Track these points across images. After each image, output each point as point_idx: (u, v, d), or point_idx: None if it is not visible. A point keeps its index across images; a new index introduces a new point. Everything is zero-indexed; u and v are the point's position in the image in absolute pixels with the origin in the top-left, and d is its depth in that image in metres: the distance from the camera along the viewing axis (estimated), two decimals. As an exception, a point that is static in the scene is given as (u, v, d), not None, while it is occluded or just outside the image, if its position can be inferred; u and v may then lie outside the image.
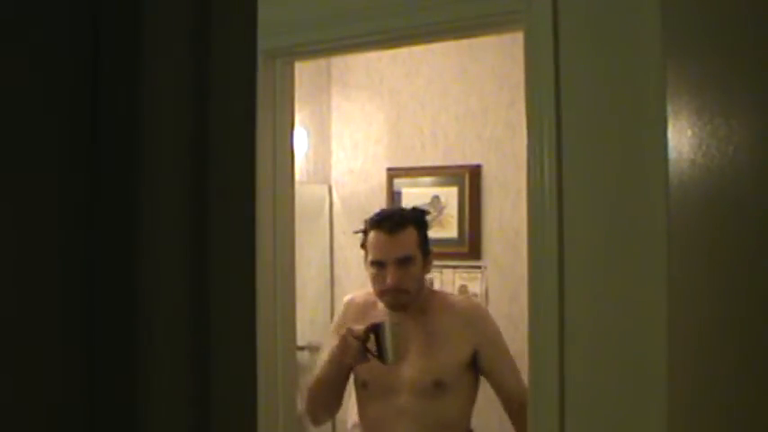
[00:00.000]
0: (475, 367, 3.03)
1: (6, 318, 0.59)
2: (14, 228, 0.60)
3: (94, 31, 0.63)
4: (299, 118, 3.53)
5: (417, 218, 3.10)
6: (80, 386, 0.62)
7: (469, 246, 4.72)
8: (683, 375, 2.04)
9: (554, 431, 2.13)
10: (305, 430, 3.80)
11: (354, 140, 5.16)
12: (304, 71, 4.36)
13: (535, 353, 2.19)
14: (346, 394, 3.14)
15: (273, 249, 2.80)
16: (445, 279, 4.75)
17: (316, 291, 4.99)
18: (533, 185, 2.18)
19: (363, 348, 2.89)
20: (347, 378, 3.08)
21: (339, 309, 3.30)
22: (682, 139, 2.07)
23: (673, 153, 2.00)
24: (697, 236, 2.16)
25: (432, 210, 4.73)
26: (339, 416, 3.40)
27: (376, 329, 2.90)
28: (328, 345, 3.16)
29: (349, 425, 3.29)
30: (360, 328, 2.91)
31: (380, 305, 3.07)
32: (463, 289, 4.72)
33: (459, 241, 4.74)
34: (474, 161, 4.75)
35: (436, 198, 4.81)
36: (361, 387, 3.08)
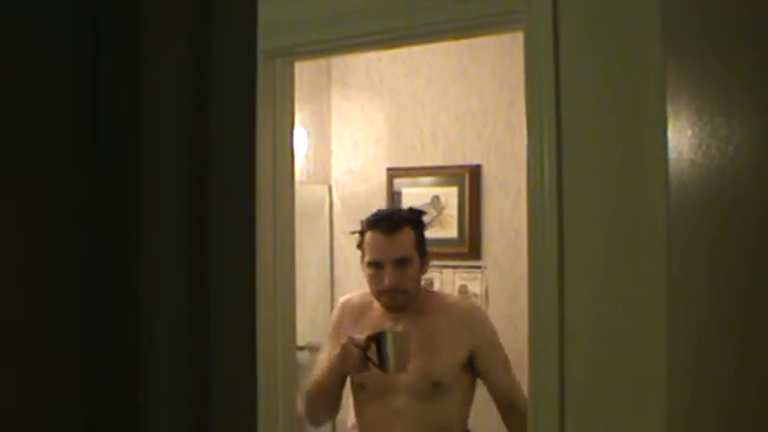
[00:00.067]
0: (472, 368, 3.03)
1: (6, 318, 0.59)
2: (14, 228, 0.60)
3: (94, 31, 0.63)
4: (299, 118, 3.53)
5: (414, 218, 3.10)
6: (80, 386, 0.62)
7: (469, 246, 4.72)
8: (683, 375, 2.04)
9: (554, 431, 2.13)
10: (305, 430, 3.80)
11: (354, 140, 5.16)
12: (304, 71, 4.36)
13: (535, 353, 2.19)
14: (345, 393, 3.14)
15: (273, 249, 2.80)
16: (445, 279, 4.75)
17: (316, 291, 4.99)
18: (533, 185, 2.18)
19: (364, 357, 2.87)
20: (344, 381, 3.07)
21: (334, 311, 3.28)
22: (682, 139, 2.07)
23: (673, 153, 2.00)
24: (697, 236, 2.16)
25: (432, 210, 4.73)
26: (339, 416, 3.40)
27: (378, 338, 2.87)
28: (326, 347, 3.15)
29: (349, 425, 3.28)
30: (361, 337, 2.89)
31: (377, 305, 3.06)
32: (463, 289, 4.72)
33: (459, 241, 4.74)
34: (474, 161, 4.75)
35: (436, 198, 4.81)
36: (359, 389, 3.07)
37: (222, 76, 0.66)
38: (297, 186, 2.98)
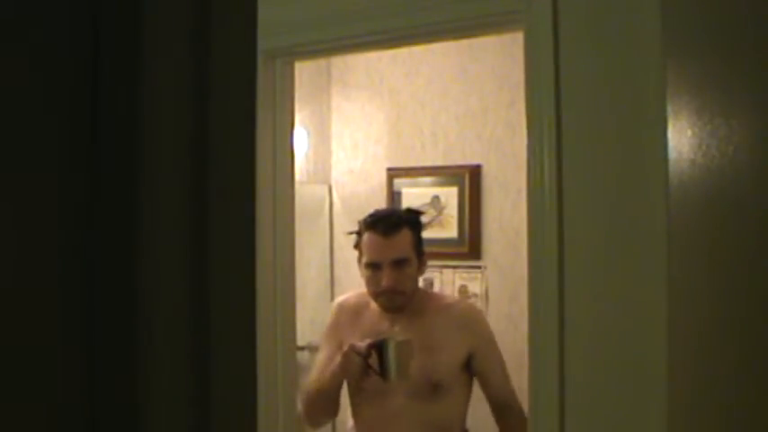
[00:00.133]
0: (469, 368, 3.03)
1: (6, 318, 0.59)
2: (14, 228, 0.60)
3: (94, 31, 0.63)
4: (299, 118, 3.53)
5: (412, 219, 3.09)
6: (80, 386, 0.62)
7: (469, 246, 4.72)
8: (683, 375, 2.04)
9: (554, 431, 2.13)
10: (305, 430, 3.80)
11: (354, 140, 5.16)
12: (304, 71, 4.36)
13: (535, 353, 2.19)
14: (342, 393, 3.13)
15: (273, 249, 2.80)
16: (445, 279, 4.75)
17: (316, 291, 4.99)
18: (533, 185, 2.18)
19: (365, 365, 2.86)
20: (342, 384, 3.06)
21: (330, 312, 3.24)
22: (682, 139, 2.07)
23: (673, 153, 2.00)
24: (697, 236, 2.16)
25: (432, 210, 4.73)
26: (339, 417, 3.40)
27: (379, 346, 2.86)
28: (323, 349, 3.14)
29: (348, 425, 3.28)
30: (362, 344, 2.88)
31: (374, 306, 3.05)
32: (463, 289, 4.72)
33: (459, 241, 4.74)
34: (474, 161, 4.75)
35: (436, 198, 4.81)
36: (357, 390, 3.05)
37: (222, 76, 0.66)
38: (297, 186, 2.98)
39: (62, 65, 0.62)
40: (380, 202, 4.74)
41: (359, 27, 2.59)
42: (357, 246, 3.08)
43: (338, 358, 2.94)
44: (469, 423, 3.11)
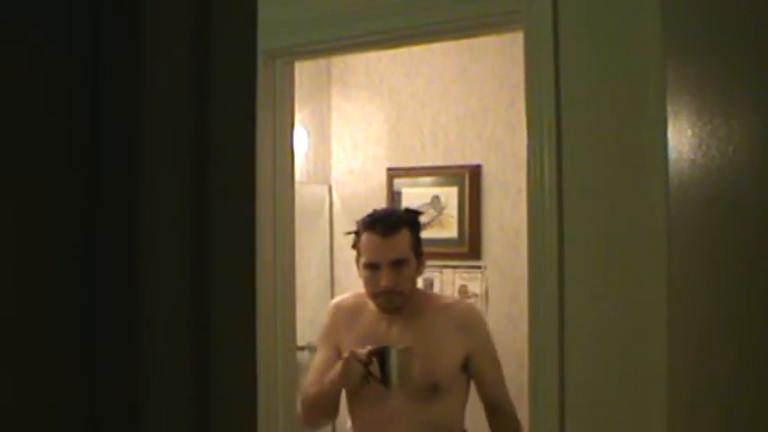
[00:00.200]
0: (467, 369, 3.02)
1: (6, 318, 0.59)
2: (14, 228, 0.60)
3: (94, 31, 0.63)
4: (299, 118, 3.53)
5: (411, 219, 3.07)
6: (80, 386, 0.62)
7: (469, 246, 4.72)
8: (683, 375, 2.04)
9: (554, 431, 2.13)
10: (304, 430, 3.80)
11: (354, 140, 5.16)
12: (304, 71, 4.36)
13: (535, 353, 2.19)
14: (342, 393, 3.12)
15: (273, 249, 2.80)
16: (445, 279, 4.75)
17: (316, 291, 4.99)
18: (533, 185, 2.18)
19: (366, 372, 2.85)
20: (341, 389, 3.05)
21: (327, 313, 3.20)
22: (682, 139, 2.07)
23: (673, 153, 2.00)
24: (697, 236, 2.16)
25: (432, 210, 4.73)
26: (339, 418, 3.40)
27: (381, 354, 2.84)
28: (321, 351, 3.12)
29: (348, 425, 3.28)
30: (363, 351, 2.86)
31: (371, 307, 3.04)
32: (463, 289, 4.72)
33: (459, 241, 4.74)
34: (474, 161, 4.75)
35: (436, 198, 4.81)
36: (355, 393, 3.04)
37: (222, 76, 0.66)
38: (297, 186, 2.98)
39: (62, 65, 0.62)
40: (380, 202, 4.74)
41: (359, 27, 2.59)
42: (355, 246, 3.07)
43: (339, 365, 2.92)
44: (468, 423, 3.11)
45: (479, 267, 4.70)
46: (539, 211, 2.16)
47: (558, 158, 2.12)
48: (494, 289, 4.65)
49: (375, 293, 2.98)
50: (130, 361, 0.62)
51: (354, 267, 3.10)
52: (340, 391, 3.01)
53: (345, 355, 2.96)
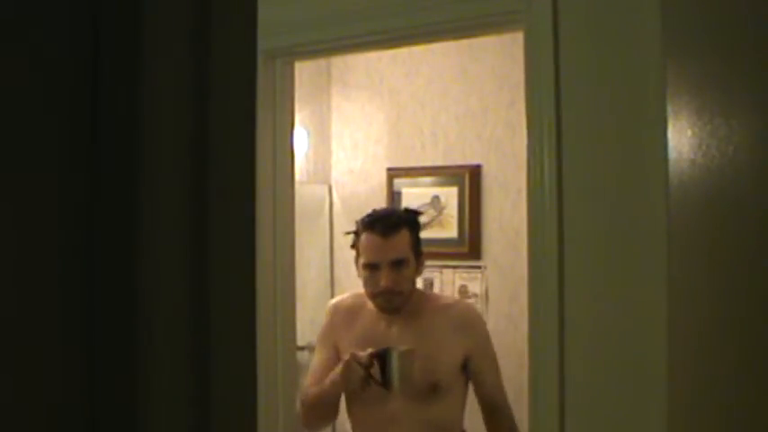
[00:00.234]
0: (466, 369, 3.02)
1: (6, 318, 0.59)
2: (14, 228, 0.60)
3: (94, 31, 0.63)
4: (299, 118, 3.53)
5: (411, 219, 3.07)
6: (80, 386, 0.62)
7: (469, 246, 4.72)
8: (683, 375, 2.04)
9: (554, 431, 2.13)
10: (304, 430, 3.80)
11: (354, 140, 5.16)
12: (304, 71, 4.36)
13: (535, 353, 2.19)
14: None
15: (273, 249, 2.80)
16: (445, 279, 4.75)
17: (316, 291, 4.99)
18: (533, 185, 2.18)
19: (367, 375, 2.84)
20: (342, 392, 3.04)
21: (325, 314, 3.18)
22: (682, 139, 2.07)
23: (673, 153, 2.00)
24: (697, 236, 2.16)
25: (432, 210, 4.73)
26: (339, 418, 3.39)
27: (382, 356, 2.83)
28: (319, 352, 3.11)
29: (348, 427, 3.27)
30: (364, 354, 2.85)
31: (369, 307, 3.02)
32: (463, 289, 4.72)
33: (459, 241, 4.74)
34: (474, 161, 4.75)
35: (436, 198, 4.81)
36: (354, 393, 3.03)
37: (222, 76, 0.66)
38: (297, 186, 2.98)
39: (62, 65, 0.62)
40: (380, 202, 4.74)
41: (359, 27, 2.59)
42: (354, 246, 3.06)
43: (339, 367, 2.91)
44: (467, 424, 3.11)
45: (479, 267, 4.70)
46: (539, 211, 2.16)
47: (558, 158, 2.12)
48: (494, 289, 4.65)
49: (374, 294, 2.97)
50: (130, 361, 0.62)
51: (354, 267, 3.10)
52: (340, 394, 3.00)
53: (345, 356, 2.95)
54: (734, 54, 2.33)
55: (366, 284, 2.99)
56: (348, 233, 3.16)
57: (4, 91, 0.59)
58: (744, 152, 2.34)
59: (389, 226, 2.96)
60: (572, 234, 2.11)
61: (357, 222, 3.08)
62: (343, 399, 3.11)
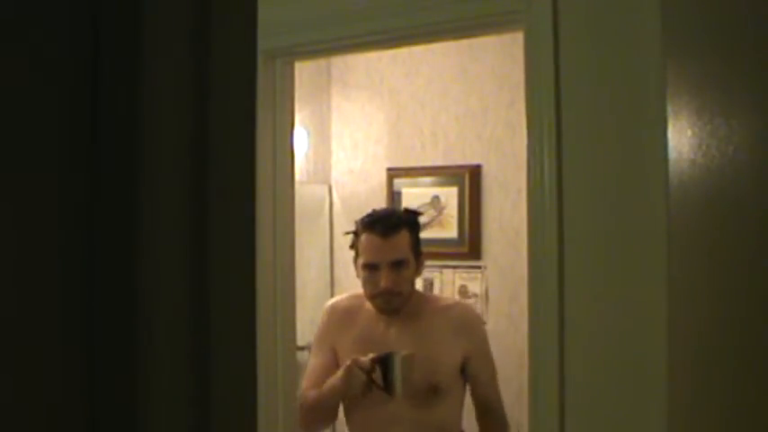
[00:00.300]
0: (464, 370, 3.01)
1: (6, 318, 0.59)
2: (14, 228, 0.60)
3: (94, 31, 0.63)
4: (299, 118, 3.53)
5: (411, 220, 3.05)
6: (80, 386, 0.62)
7: (469, 246, 4.72)
8: (683, 375, 2.04)
9: (554, 431, 2.13)
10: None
11: (354, 140, 5.16)
12: (304, 71, 4.36)
13: (535, 353, 2.19)
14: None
15: (273, 249, 2.80)
16: (445, 279, 4.75)
17: (316, 291, 4.99)
18: (533, 185, 2.18)
19: (369, 380, 2.83)
20: (342, 397, 3.02)
21: (322, 315, 3.17)
22: (682, 139, 2.07)
23: (673, 153, 2.00)
24: (697, 236, 2.16)
25: (432, 210, 4.73)
26: (339, 419, 3.39)
27: (384, 361, 2.81)
28: (317, 354, 3.09)
29: (347, 428, 3.26)
30: (365, 359, 2.84)
31: (367, 308, 3.01)
32: (463, 289, 4.72)
33: (459, 241, 4.74)
34: (474, 161, 4.75)
35: (436, 198, 4.81)
36: (353, 397, 3.01)
37: (222, 76, 0.66)
38: (297, 186, 2.97)
39: (62, 65, 0.62)
40: (380, 202, 4.74)
41: (359, 27, 2.59)
42: (353, 246, 3.05)
43: (340, 373, 2.89)
44: (465, 424, 3.11)
45: (479, 267, 4.70)
46: (539, 211, 2.16)
47: (558, 158, 2.12)
48: (494, 289, 4.65)
49: (374, 294, 2.96)
50: (130, 361, 0.62)
51: (353, 268, 3.09)
52: (340, 398, 2.99)
53: (343, 358, 2.94)
54: (734, 54, 2.33)
55: (365, 285, 2.98)
56: (347, 233, 3.15)
57: (4, 91, 0.59)
58: (744, 152, 2.34)
59: (389, 226, 2.95)
60: (572, 234, 2.11)
61: (356, 222, 3.07)
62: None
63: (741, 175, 2.34)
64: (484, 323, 3.31)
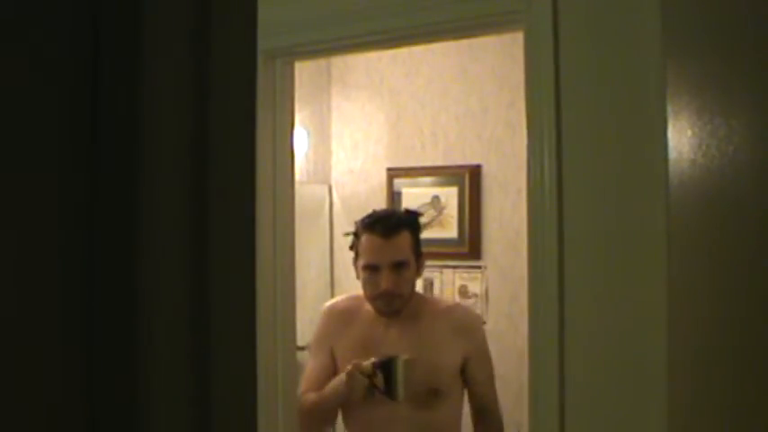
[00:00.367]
0: (463, 372, 3.00)
1: (6, 318, 0.59)
2: (14, 228, 0.60)
3: (94, 31, 0.63)
4: (299, 118, 3.53)
5: (411, 221, 3.04)
6: (80, 386, 0.62)
7: (469, 246, 4.72)
8: (683, 375, 2.04)
9: (554, 431, 2.13)
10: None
11: (354, 140, 5.16)
12: (304, 71, 4.36)
13: (535, 353, 2.19)
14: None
15: (273, 249, 2.80)
16: (445, 279, 4.75)
17: (316, 291, 4.99)
18: (533, 185, 2.18)
19: (371, 385, 2.82)
20: (342, 401, 3.01)
21: (320, 317, 3.16)
22: (682, 139, 2.07)
23: (673, 153, 2.00)
24: (697, 236, 2.16)
25: (432, 210, 4.73)
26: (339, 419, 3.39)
27: (386, 366, 2.80)
28: (315, 356, 3.08)
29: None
30: (367, 364, 2.81)
31: (366, 310, 2.99)
32: (463, 289, 4.72)
33: (459, 241, 4.74)
34: (474, 161, 4.75)
35: (436, 198, 4.81)
36: (354, 401, 3.00)
37: (222, 76, 0.66)
38: (297, 186, 2.97)
39: (62, 65, 0.62)
40: (380, 203, 4.74)
41: (359, 27, 2.59)
42: (353, 247, 3.04)
43: (342, 376, 2.88)
44: (464, 426, 3.11)
45: (479, 267, 4.70)
46: (539, 211, 2.16)
47: (558, 158, 2.12)
48: (494, 289, 4.65)
49: (374, 296, 2.94)
50: (130, 361, 0.62)
51: (353, 268, 3.08)
52: (341, 402, 2.97)
53: (341, 359, 2.93)
54: (734, 54, 2.33)
55: (365, 286, 2.96)
56: (347, 234, 3.14)
57: (4, 91, 0.59)
58: (744, 152, 2.34)
59: (390, 227, 2.94)
60: (572, 234, 2.11)
61: (356, 223, 3.06)
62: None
63: (741, 175, 2.34)
64: (483, 323, 3.30)
